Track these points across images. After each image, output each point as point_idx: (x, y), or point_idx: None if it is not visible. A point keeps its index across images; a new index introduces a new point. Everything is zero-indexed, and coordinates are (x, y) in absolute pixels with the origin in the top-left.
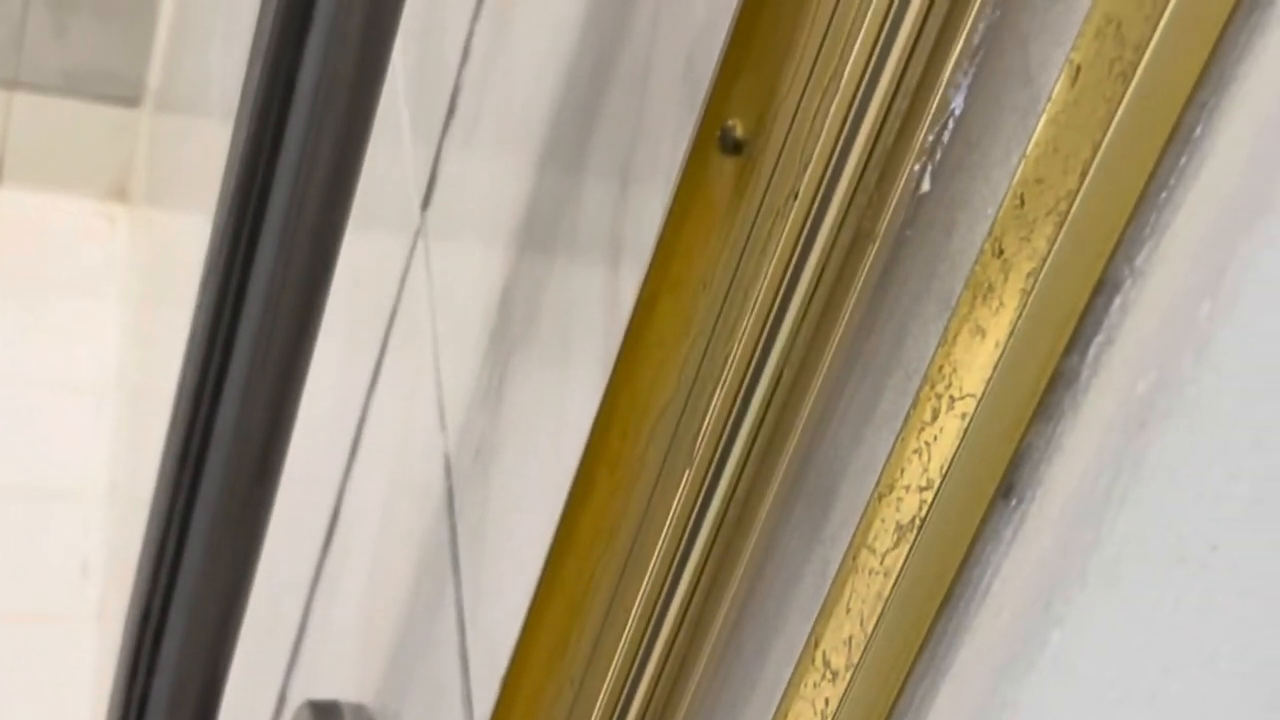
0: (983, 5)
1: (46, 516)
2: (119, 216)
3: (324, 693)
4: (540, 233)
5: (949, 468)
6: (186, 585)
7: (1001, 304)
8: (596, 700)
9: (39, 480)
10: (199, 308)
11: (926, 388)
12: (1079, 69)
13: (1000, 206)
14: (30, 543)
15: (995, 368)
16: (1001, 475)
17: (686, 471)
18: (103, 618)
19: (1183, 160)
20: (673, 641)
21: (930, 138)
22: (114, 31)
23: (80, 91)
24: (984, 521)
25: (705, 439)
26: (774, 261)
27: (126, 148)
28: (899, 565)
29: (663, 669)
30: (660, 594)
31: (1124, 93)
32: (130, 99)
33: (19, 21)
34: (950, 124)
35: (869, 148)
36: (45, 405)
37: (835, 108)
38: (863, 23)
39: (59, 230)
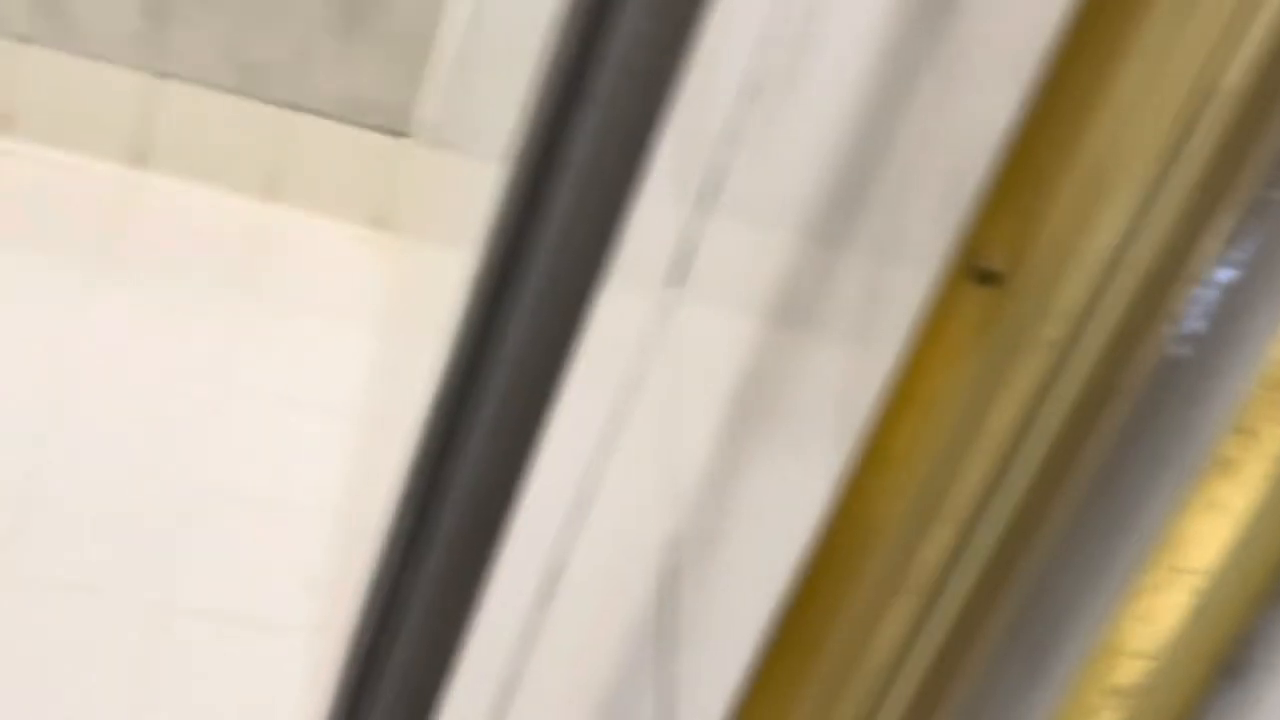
0: (1254, 180)
1: (280, 528)
2: (377, 243)
3: None
4: (788, 322)
5: (1173, 640)
6: (407, 622)
7: (1244, 482)
8: None
9: (276, 492)
10: (451, 352)
11: (1156, 556)
12: None
13: (1254, 383)
14: (261, 552)
15: (1231, 545)
16: (1227, 654)
17: (906, 598)
18: (323, 633)
19: None
20: None
21: (1189, 303)
22: (391, 63)
23: (353, 119)
24: (1204, 698)
25: (927, 568)
26: (1015, 401)
27: (391, 177)
28: None
29: None
30: None
31: None
32: (399, 130)
33: (303, 47)
34: (1211, 293)
35: (1126, 302)
36: (289, 420)
37: (1096, 255)
38: (1133, 185)
39: (320, 251)
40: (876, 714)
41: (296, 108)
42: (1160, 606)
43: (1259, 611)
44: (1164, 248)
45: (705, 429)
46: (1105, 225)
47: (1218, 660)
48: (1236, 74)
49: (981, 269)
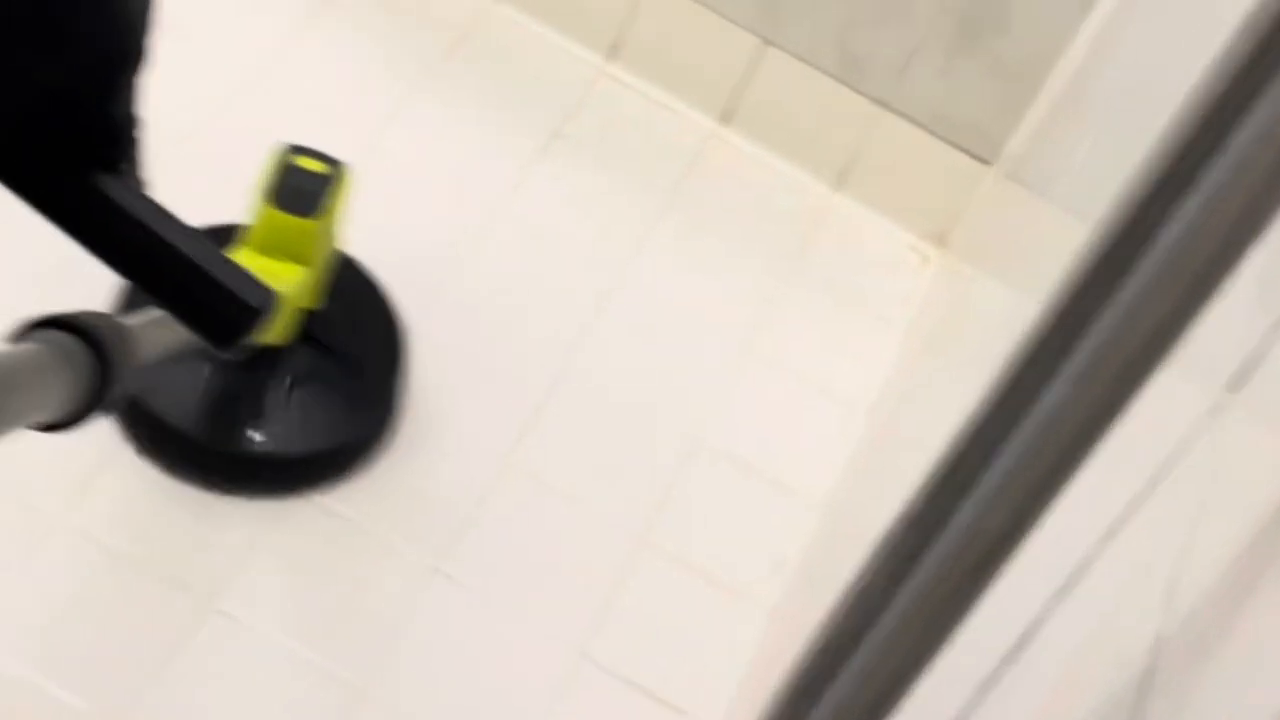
0: None
1: (765, 502)
2: (932, 258)
3: None
4: None
5: None
6: (870, 645)
7: None
8: None
9: (770, 468)
10: (988, 391)
11: None
12: None
13: None
14: (744, 520)
15: None
16: None
17: None
18: (773, 615)
19: None
20: None
21: None
22: (995, 88)
23: (941, 133)
24: None
25: None
26: None
27: (962, 199)
28: None
29: None
30: None
31: None
32: (983, 156)
33: (911, 50)
34: None
35: None
36: (801, 400)
37: None
38: None
39: (873, 249)
40: None
41: (888, 107)
42: None
43: None
44: None
45: (1222, 544)
46: None
47: None
48: None
49: None
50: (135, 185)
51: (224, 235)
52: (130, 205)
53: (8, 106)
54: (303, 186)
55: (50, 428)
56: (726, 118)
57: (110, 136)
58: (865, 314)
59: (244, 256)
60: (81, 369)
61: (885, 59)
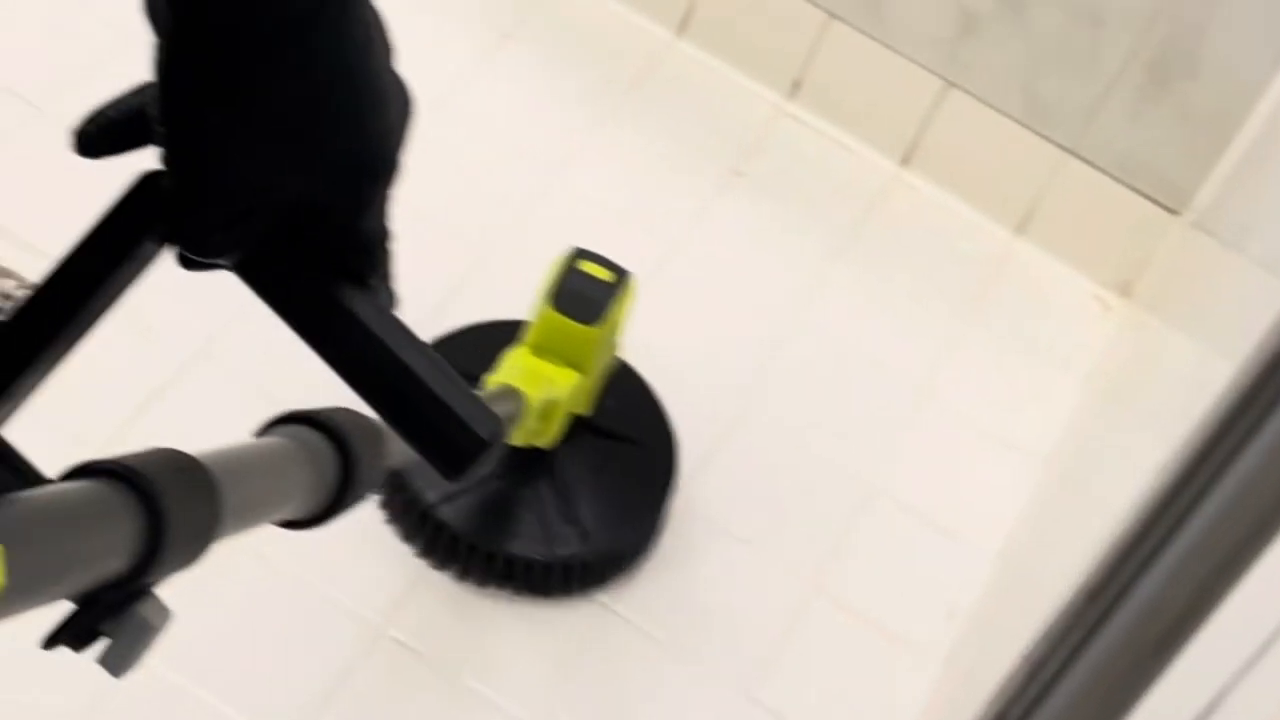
0: None
1: (939, 550)
2: (1115, 307)
3: None
4: None
5: None
6: (1056, 699)
7: None
8: None
9: (945, 514)
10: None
11: None
12: None
13: None
14: (917, 567)
15: None
16: None
17: None
18: (948, 664)
19: None
20: None
21: None
22: (1185, 137)
23: (1127, 180)
24: None
25: None
26: None
27: (1148, 248)
28: None
29: None
30: None
31: None
32: (1171, 205)
33: (1098, 95)
34: None
35: None
36: (976, 447)
37: None
38: None
39: (1055, 297)
40: None
41: (1073, 153)
42: None
43: None
44: None
45: None
46: None
47: None
48: None
49: None
50: (381, 301)
51: (507, 331)
52: (371, 321)
53: (260, 216)
54: (585, 292)
55: (293, 524)
56: (907, 159)
57: (359, 249)
58: (1045, 361)
59: (520, 356)
60: (326, 466)
61: (1071, 104)
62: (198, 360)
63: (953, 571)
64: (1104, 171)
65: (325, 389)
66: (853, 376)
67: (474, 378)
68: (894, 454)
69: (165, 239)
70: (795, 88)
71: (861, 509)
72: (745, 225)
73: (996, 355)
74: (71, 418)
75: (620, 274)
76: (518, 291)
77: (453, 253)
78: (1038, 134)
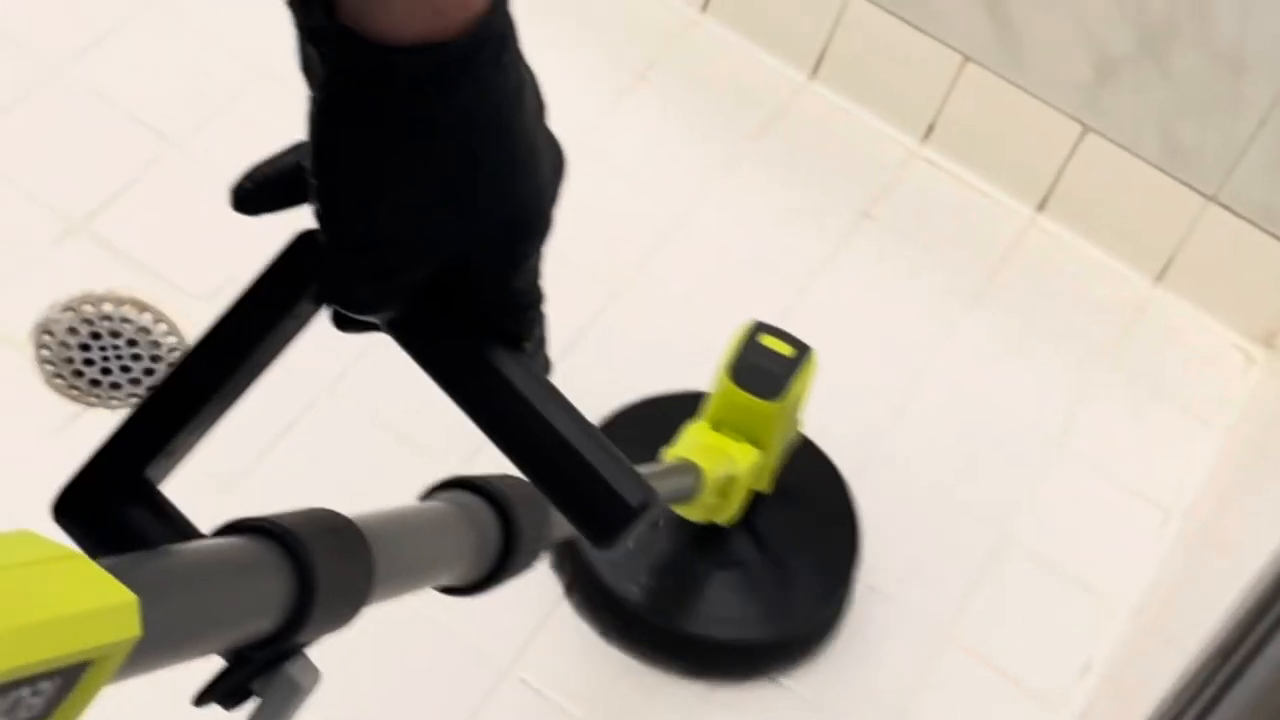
0: None
1: (1073, 603)
2: (1258, 359)
3: None
4: None
5: None
6: None
7: None
8: None
9: (1077, 568)
10: None
11: None
12: None
13: None
14: (1051, 620)
15: None
16: None
17: None
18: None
19: None
20: None
21: None
22: None
23: (1269, 228)
24: None
25: None
26: None
27: None
28: None
29: None
30: None
31: None
32: None
33: (1239, 142)
34: None
35: None
36: (1112, 499)
37: None
38: None
39: (1195, 347)
40: None
41: (1214, 200)
42: None
43: None
44: None
45: None
46: None
47: None
48: None
49: None
50: (533, 365)
51: (689, 403)
52: (520, 384)
53: (411, 272)
54: (765, 367)
55: (452, 590)
56: (1043, 204)
57: (511, 309)
58: (1184, 413)
59: (699, 430)
60: (489, 534)
61: (1212, 150)
62: (326, 396)
63: (1087, 625)
64: (1246, 219)
65: (462, 432)
66: (987, 423)
67: (639, 451)
68: (1028, 503)
69: (319, 298)
70: (929, 131)
71: (995, 558)
72: (876, 269)
73: (1134, 405)
74: (205, 451)
75: (801, 349)
76: (651, 343)
77: (588, 296)
78: (1177, 180)
